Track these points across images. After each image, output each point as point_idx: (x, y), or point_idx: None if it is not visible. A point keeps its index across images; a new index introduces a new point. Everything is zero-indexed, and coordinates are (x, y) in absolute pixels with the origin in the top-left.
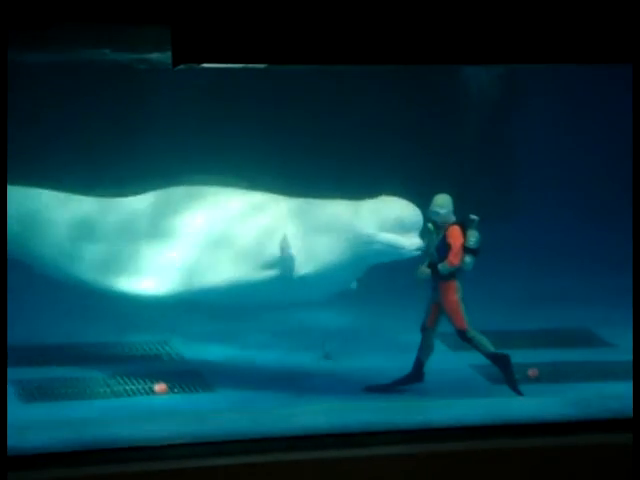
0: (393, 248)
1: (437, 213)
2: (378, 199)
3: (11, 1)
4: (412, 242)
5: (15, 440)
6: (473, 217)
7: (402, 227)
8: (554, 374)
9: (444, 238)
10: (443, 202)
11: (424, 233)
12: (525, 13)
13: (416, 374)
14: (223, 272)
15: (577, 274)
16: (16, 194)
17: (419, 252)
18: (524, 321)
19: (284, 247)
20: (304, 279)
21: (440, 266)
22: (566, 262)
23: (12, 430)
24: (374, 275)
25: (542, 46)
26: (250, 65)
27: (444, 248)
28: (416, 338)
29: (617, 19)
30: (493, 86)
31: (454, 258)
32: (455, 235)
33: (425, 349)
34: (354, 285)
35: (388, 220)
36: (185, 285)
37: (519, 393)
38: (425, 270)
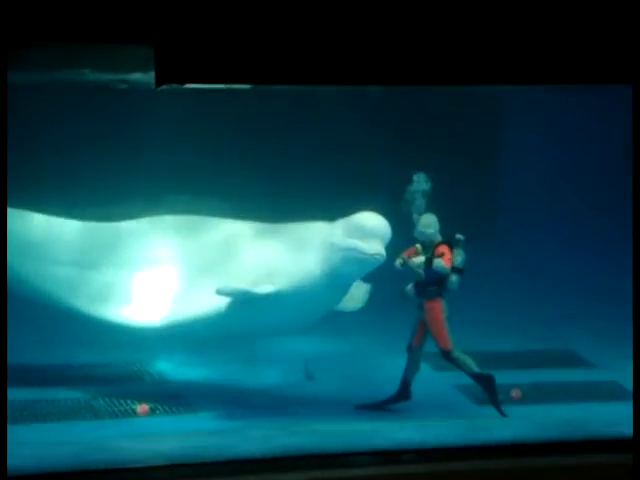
0: (355, 253)
1: (423, 233)
2: (355, 215)
3: None
4: (372, 247)
5: None
6: (459, 236)
7: (364, 233)
8: (537, 395)
9: (431, 258)
10: (429, 222)
11: (419, 253)
12: (528, 33)
13: (403, 393)
14: (203, 302)
15: (559, 296)
16: None
17: (380, 260)
18: (506, 342)
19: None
20: (286, 305)
21: (436, 262)
22: (549, 284)
23: None
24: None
25: (539, 67)
26: (234, 85)
27: (431, 268)
28: (399, 358)
29: (617, 40)
30: (481, 106)
31: (447, 262)
32: (445, 250)
33: (411, 368)
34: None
35: (351, 227)
36: (167, 314)
37: (502, 414)
38: (412, 292)
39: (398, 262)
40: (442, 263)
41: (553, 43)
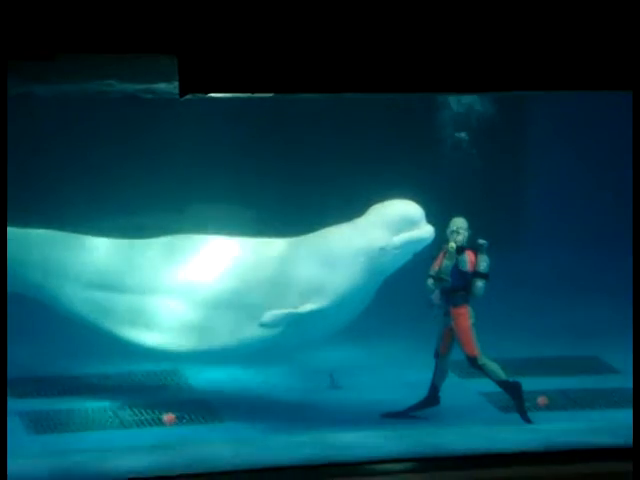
0: (410, 245)
1: (458, 233)
2: (371, 212)
3: (18, 33)
4: (427, 230)
5: (25, 471)
6: (482, 242)
7: (411, 222)
8: (563, 402)
9: (457, 263)
10: (463, 224)
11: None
12: (527, 40)
13: (432, 399)
14: (235, 331)
15: (585, 303)
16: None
17: (433, 237)
18: (532, 349)
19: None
20: (320, 319)
21: (460, 260)
22: (574, 291)
23: (20, 461)
24: (379, 304)
25: (544, 74)
26: (256, 94)
27: (457, 274)
28: (426, 366)
29: (617, 47)
30: (500, 113)
31: (470, 264)
32: (469, 256)
33: (439, 374)
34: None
35: (394, 223)
36: (195, 341)
37: (528, 421)
38: (439, 300)
39: (430, 283)
40: (466, 262)
41: (553, 50)
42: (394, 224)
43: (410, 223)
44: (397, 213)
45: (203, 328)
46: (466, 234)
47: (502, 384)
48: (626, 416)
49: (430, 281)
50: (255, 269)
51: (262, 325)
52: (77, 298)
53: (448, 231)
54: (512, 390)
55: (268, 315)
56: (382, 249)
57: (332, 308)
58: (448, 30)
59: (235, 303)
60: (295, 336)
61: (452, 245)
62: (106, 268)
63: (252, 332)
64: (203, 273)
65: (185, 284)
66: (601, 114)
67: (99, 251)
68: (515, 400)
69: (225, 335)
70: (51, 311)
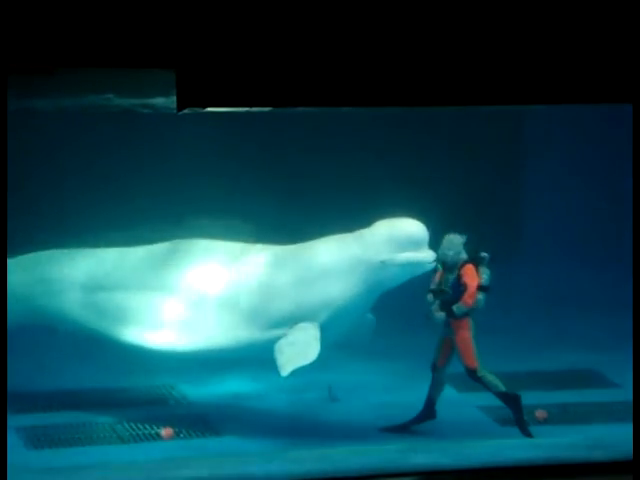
0: (411, 266)
1: (445, 255)
2: (378, 225)
3: (14, 47)
4: (428, 255)
5: None
6: (483, 254)
7: (415, 243)
8: (562, 415)
9: (459, 277)
10: (450, 244)
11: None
12: (526, 54)
13: (428, 412)
14: (229, 330)
15: (583, 316)
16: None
17: (434, 265)
18: (530, 362)
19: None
20: (322, 330)
21: (455, 308)
22: (572, 304)
23: (16, 477)
24: (381, 316)
25: (544, 87)
26: (254, 109)
27: (459, 287)
28: (423, 380)
29: (617, 60)
30: (500, 128)
31: (469, 299)
32: (471, 275)
33: (436, 387)
34: (370, 317)
35: (400, 240)
36: (190, 341)
37: (528, 434)
38: (438, 312)
39: (430, 297)
40: (462, 308)
41: (553, 63)
42: (400, 241)
43: (415, 244)
44: (405, 231)
45: (197, 328)
46: (454, 252)
47: (501, 396)
48: (624, 430)
49: (430, 295)
50: (250, 274)
51: (284, 373)
52: (74, 299)
53: (439, 252)
54: (512, 402)
55: (284, 365)
56: (383, 263)
57: (328, 316)
58: (446, 43)
59: (230, 306)
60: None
61: (438, 267)
62: (102, 269)
63: (246, 335)
64: (200, 276)
65: (182, 285)
66: (599, 127)
67: (96, 258)
68: (514, 413)
69: (218, 336)
70: (47, 326)
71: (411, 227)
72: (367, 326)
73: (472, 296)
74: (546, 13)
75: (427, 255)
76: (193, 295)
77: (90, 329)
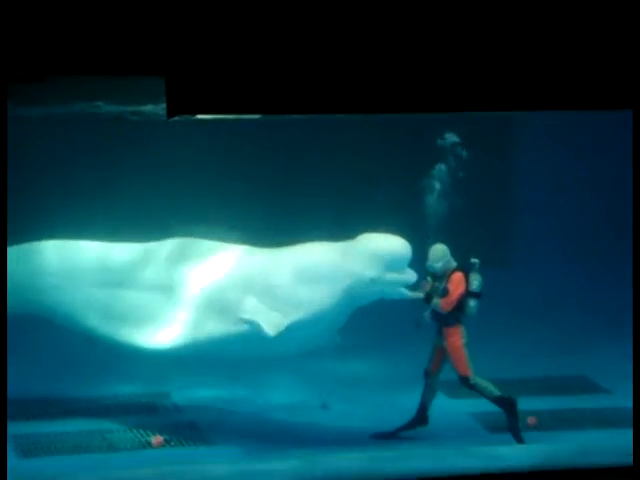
0: (395, 286)
1: (432, 267)
2: (368, 238)
3: (6, 55)
4: (411, 277)
5: None
6: (474, 260)
7: (400, 265)
8: (553, 422)
9: (445, 284)
10: (436, 256)
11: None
12: (526, 60)
13: (420, 418)
14: (212, 327)
15: (574, 323)
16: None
17: (410, 292)
18: (521, 369)
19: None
20: (297, 331)
21: (433, 305)
22: (562, 310)
23: None
24: (365, 323)
25: (541, 93)
26: (244, 115)
27: (444, 294)
28: (415, 386)
29: (617, 66)
30: (491, 133)
31: (447, 305)
32: (457, 282)
33: (428, 393)
34: (337, 338)
35: (384, 257)
36: (182, 338)
37: (521, 440)
38: (427, 318)
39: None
40: (438, 307)
41: (552, 69)
42: (385, 259)
43: (400, 262)
44: (390, 250)
45: (188, 326)
46: (441, 264)
47: (497, 400)
48: (616, 436)
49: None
50: (236, 275)
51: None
52: (70, 296)
53: (427, 264)
54: (507, 406)
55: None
56: (372, 280)
57: (309, 321)
58: (443, 49)
59: (217, 304)
60: (273, 344)
61: (428, 279)
62: (97, 268)
63: (233, 333)
64: (192, 276)
65: (179, 285)
66: (593, 132)
67: (89, 254)
68: (509, 418)
69: (205, 334)
70: (39, 332)
71: (397, 246)
72: (332, 347)
73: (450, 303)
74: (546, 19)
75: (412, 277)
76: (180, 294)
77: (81, 326)
